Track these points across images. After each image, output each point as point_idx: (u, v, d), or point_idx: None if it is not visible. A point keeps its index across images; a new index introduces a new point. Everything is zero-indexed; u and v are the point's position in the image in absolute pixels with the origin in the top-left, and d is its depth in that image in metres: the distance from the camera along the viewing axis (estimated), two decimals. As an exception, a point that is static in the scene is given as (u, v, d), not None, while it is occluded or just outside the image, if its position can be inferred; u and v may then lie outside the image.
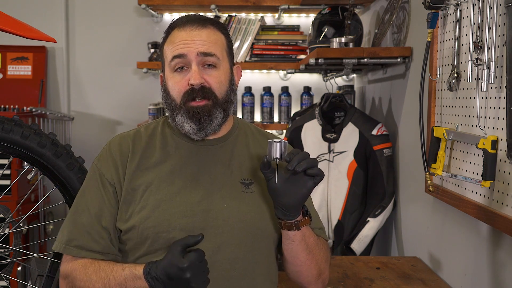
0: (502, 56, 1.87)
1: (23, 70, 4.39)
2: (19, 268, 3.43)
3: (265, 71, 4.75)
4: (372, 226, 3.24)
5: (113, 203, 1.85)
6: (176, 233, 1.76)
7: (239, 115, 4.53)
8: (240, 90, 4.38)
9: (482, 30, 2.01)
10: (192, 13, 2.01)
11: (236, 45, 4.35)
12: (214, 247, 1.78)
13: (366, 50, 3.22)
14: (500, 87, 1.90)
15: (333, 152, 3.38)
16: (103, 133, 4.63)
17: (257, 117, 4.66)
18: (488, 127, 1.99)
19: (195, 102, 1.81)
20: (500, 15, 1.88)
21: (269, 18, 4.76)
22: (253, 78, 4.76)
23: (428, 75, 2.52)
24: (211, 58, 1.83)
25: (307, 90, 4.60)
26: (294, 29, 4.56)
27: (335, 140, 3.38)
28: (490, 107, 1.98)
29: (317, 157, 3.38)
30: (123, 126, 4.69)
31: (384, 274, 2.59)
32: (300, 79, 4.81)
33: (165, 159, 1.89)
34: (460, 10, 2.22)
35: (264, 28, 4.51)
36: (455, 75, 2.26)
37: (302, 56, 4.38)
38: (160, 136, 1.95)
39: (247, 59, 4.42)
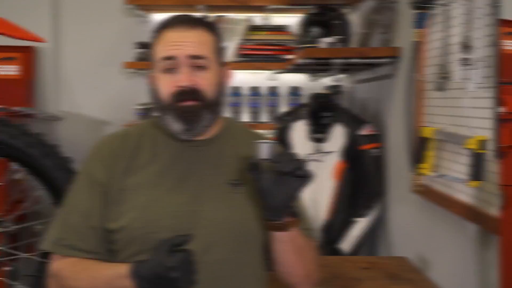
0: (490, 56, 1.89)
1: (11, 70, 4.35)
2: (7, 268, 3.43)
3: (252, 71, 4.73)
4: (360, 226, 3.25)
5: (102, 203, 1.84)
6: (164, 233, 1.72)
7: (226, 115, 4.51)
8: (227, 90, 4.39)
9: (469, 31, 2.02)
10: (182, 13, 1.98)
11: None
12: (203, 248, 1.77)
13: (354, 50, 3.23)
14: (488, 87, 1.91)
15: (321, 152, 3.39)
16: (92, 133, 4.60)
17: (245, 117, 4.64)
18: (476, 127, 2.00)
19: (184, 102, 1.81)
20: (487, 15, 1.90)
21: (257, 18, 4.74)
22: (241, 78, 4.75)
23: (416, 75, 2.53)
24: (201, 60, 1.82)
25: (294, 90, 4.60)
26: (282, 29, 4.55)
27: (323, 140, 3.39)
28: (478, 107, 2.00)
29: (305, 157, 3.39)
30: (111, 127, 4.67)
31: (372, 274, 2.60)
32: (288, 79, 4.81)
33: (154, 159, 1.90)
34: (448, 11, 2.24)
35: (251, 28, 4.50)
36: (443, 75, 2.28)
37: (290, 56, 4.38)
38: (149, 137, 1.95)
39: (235, 59, 4.41)
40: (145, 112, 4.33)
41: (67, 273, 1.79)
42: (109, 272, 1.73)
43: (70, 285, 1.78)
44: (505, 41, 2.70)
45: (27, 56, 4.36)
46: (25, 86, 4.37)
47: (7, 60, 4.23)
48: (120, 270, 1.69)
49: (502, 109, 2.24)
